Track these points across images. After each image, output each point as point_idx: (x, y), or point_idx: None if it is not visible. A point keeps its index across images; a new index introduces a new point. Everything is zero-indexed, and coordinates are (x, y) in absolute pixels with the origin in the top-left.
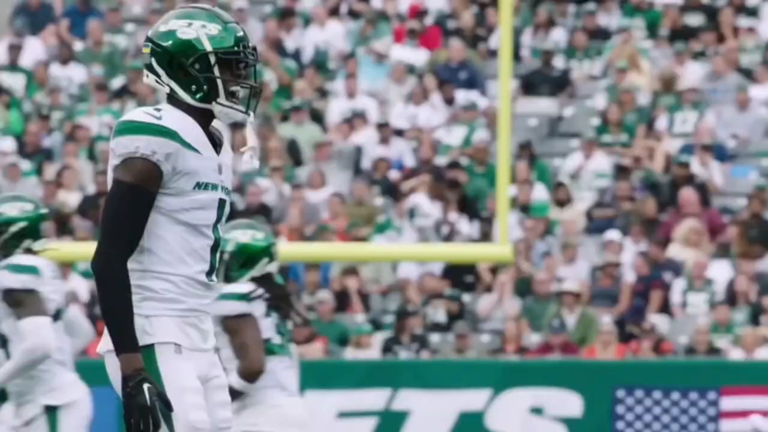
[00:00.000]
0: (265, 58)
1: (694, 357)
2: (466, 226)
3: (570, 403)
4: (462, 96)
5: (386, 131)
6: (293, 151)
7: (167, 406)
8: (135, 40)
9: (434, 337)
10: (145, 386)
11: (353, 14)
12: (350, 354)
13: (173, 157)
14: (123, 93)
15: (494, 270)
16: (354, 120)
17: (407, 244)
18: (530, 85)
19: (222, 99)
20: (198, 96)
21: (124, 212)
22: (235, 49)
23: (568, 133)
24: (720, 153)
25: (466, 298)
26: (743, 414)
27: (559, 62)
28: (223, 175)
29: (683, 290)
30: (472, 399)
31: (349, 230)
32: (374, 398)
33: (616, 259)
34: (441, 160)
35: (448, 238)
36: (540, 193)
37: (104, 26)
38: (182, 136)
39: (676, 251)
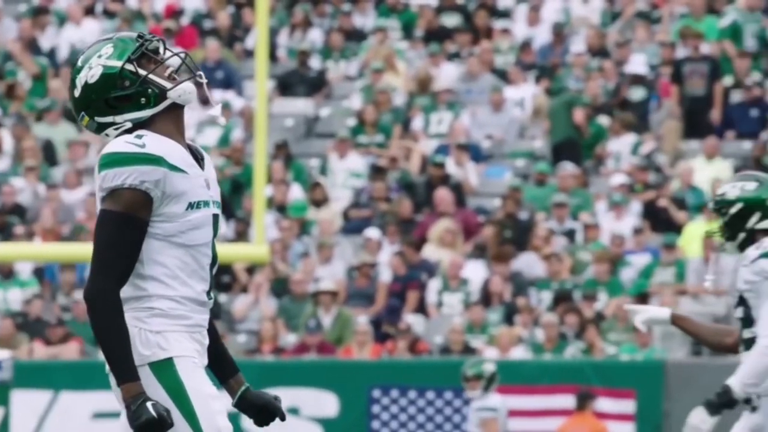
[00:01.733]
0: (18, 57)
1: (449, 357)
2: (222, 225)
3: (326, 402)
4: (218, 96)
5: None
6: (48, 151)
7: (171, 421)
8: None
9: None
10: (148, 404)
11: (108, 13)
12: None
13: (162, 182)
14: None
15: (250, 270)
16: None
17: None
18: (287, 85)
19: (168, 86)
20: (152, 103)
21: (115, 241)
22: (138, 44)
23: (325, 133)
24: (475, 153)
25: (222, 298)
26: None
27: (315, 63)
28: (212, 189)
29: (438, 290)
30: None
31: None
32: None
33: (372, 259)
34: None
35: None
36: (296, 193)
37: None
38: (168, 159)
39: (431, 251)
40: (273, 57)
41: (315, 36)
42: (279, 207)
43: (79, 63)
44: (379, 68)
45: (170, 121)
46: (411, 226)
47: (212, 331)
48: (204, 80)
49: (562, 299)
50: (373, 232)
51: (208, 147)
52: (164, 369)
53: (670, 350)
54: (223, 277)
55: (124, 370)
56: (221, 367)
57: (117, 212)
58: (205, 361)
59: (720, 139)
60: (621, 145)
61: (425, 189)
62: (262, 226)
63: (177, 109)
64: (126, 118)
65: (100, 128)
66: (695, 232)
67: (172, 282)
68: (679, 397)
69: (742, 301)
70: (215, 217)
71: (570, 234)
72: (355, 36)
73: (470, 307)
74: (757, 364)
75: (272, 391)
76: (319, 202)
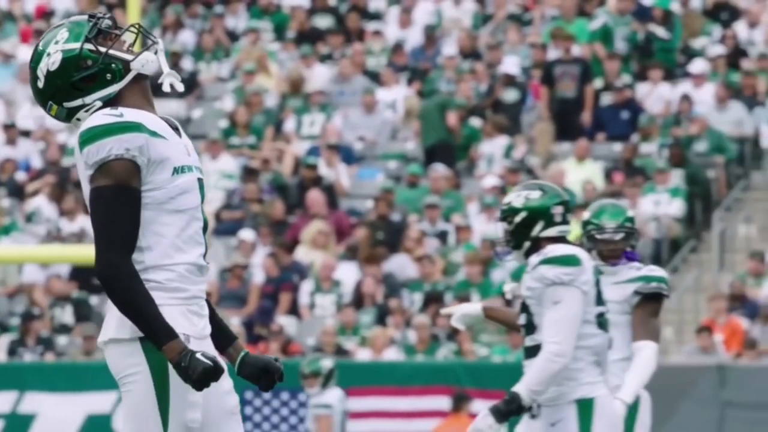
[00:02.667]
0: None
1: None
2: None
3: None
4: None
5: (13, 132)
6: None
7: (223, 366)
8: None
9: (61, 340)
10: (198, 355)
11: None
12: None
13: (145, 148)
14: None
15: None
16: None
17: (32, 246)
18: (158, 86)
19: (130, 57)
20: (118, 77)
21: (114, 215)
22: (91, 23)
23: (197, 134)
24: (347, 155)
25: (94, 300)
26: (369, 415)
27: (187, 64)
28: (192, 156)
29: (311, 292)
30: (99, 401)
31: None
32: (0, 401)
33: (244, 260)
34: (68, 162)
35: (78, 239)
36: None
37: None
38: (147, 125)
39: (303, 253)
40: None
41: (187, 37)
42: None
43: (37, 53)
44: (251, 70)
45: (138, 93)
46: (283, 227)
47: (207, 303)
48: (161, 48)
49: (434, 301)
50: (245, 234)
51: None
52: (153, 346)
53: None
54: (94, 279)
55: (161, 332)
56: (219, 337)
57: (109, 185)
58: (207, 331)
59: (591, 141)
60: (494, 148)
61: (298, 190)
62: None
63: (142, 80)
64: (95, 98)
65: (70, 114)
66: None
67: (169, 250)
68: None
69: (524, 308)
70: (200, 181)
71: (442, 236)
72: (228, 37)
73: (342, 309)
74: (543, 371)
75: None
76: None
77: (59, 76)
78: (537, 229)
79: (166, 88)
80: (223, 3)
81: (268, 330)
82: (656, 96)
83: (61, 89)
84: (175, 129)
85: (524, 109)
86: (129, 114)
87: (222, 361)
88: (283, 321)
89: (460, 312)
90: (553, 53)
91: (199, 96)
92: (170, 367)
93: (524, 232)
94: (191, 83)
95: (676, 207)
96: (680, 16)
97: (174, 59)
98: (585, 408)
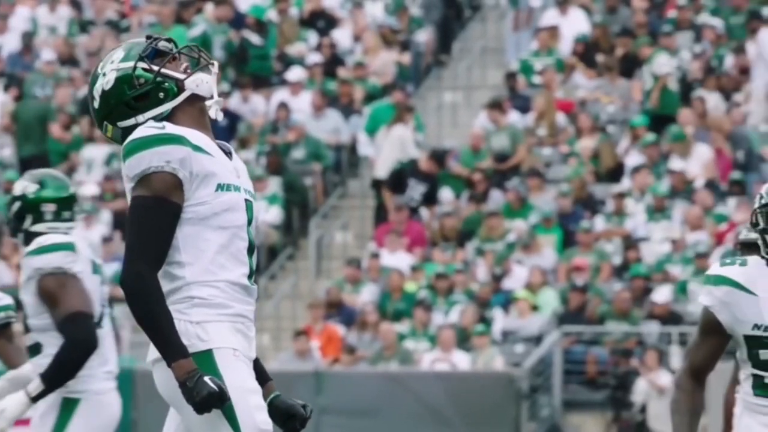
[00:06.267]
0: None
1: None
2: None
3: None
4: None
5: None
6: None
7: (227, 397)
8: None
9: None
10: (206, 378)
11: None
12: None
13: (187, 161)
14: None
15: None
16: None
17: None
18: None
19: (184, 77)
20: (170, 96)
21: (146, 226)
22: (146, 43)
23: None
24: None
25: None
26: None
27: None
28: (242, 178)
29: None
30: None
31: None
32: None
33: None
34: None
35: None
36: None
37: None
38: (190, 139)
39: None
40: None
41: None
42: None
43: (94, 75)
44: None
45: (192, 115)
46: None
47: None
48: (216, 70)
49: None
50: None
51: None
52: (203, 361)
53: (138, 358)
54: None
55: (173, 348)
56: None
57: (147, 196)
58: (253, 354)
59: None
60: (95, 154)
61: None
62: None
63: (197, 102)
64: (148, 116)
65: (125, 134)
66: None
67: (210, 266)
68: (146, 405)
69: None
70: (248, 202)
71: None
72: None
73: None
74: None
75: None
76: None
77: (113, 96)
78: (27, 223)
79: (212, 115)
80: None
81: None
82: (253, 104)
83: (115, 108)
84: (228, 153)
85: None
86: (172, 128)
87: (228, 393)
88: None
89: None
90: None
91: None
92: (224, 373)
93: (17, 224)
94: None
95: (273, 214)
96: (276, 23)
97: None
98: None
